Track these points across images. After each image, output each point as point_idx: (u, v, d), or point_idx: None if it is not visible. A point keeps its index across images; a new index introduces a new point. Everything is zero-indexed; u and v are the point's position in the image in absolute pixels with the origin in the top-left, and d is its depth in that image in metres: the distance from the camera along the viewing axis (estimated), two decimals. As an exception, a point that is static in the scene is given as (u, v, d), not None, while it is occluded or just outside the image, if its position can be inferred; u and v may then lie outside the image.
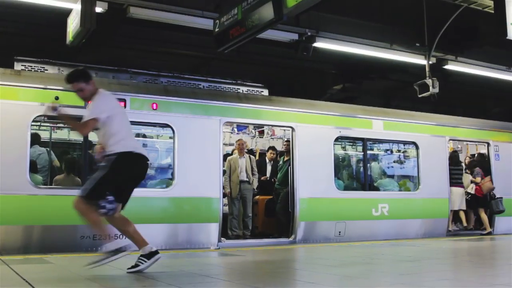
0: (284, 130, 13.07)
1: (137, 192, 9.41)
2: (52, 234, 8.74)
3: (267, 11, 7.88)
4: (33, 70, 9.56)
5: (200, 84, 10.96)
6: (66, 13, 9.75)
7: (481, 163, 13.87)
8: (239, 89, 11.32)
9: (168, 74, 10.82)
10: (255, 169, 11.76)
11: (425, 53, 12.93)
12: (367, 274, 6.44)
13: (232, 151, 12.14)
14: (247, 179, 11.43)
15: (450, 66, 14.11)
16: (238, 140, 12.05)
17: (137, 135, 11.59)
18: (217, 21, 9.25)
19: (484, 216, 13.18)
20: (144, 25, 11.66)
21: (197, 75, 11.37)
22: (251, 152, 12.96)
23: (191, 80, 10.93)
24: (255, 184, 11.88)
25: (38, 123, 10.12)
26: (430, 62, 12.93)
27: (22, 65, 9.49)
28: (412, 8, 12.68)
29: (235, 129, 14.01)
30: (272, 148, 13.06)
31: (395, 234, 11.88)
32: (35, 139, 9.56)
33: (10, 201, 8.46)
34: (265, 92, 11.64)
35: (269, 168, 12.89)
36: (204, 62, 14.98)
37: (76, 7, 9.13)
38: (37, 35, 12.25)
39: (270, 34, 10.81)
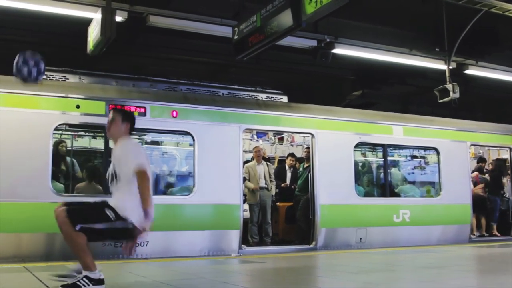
0: (304, 136, 13.06)
1: (158, 199, 9.49)
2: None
3: (286, 18, 7.88)
4: (54, 79, 9.66)
5: (220, 92, 11.01)
6: (87, 22, 9.85)
7: (500, 169, 13.83)
8: (258, 96, 11.34)
9: (187, 81, 10.88)
10: (272, 176, 11.77)
11: (445, 58, 12.85)
12: (389, 281, 6.40)
13: (252, 158, 12.15)
14: (266, 186, 11.44)
15: (471, 71, 14.01)
16: (255, 147, 12.07)
17: (157, 142, 11.67)
18: (236, 28, 9.28)
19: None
20: (163, 33, 11.75)
21: (216, 83, 11.41)
22: (267, 160, 12.95)
23: (210, 88, 10.98)
24: (273, 190, 11.88)
25: (60, 132, 10.21)
26: (450, 67, 12.84)
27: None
28: (432, 13, 12.62)
29: (255, 136, 14.04)
30: (292, 155, 13.06)
31: (416, 240, 11.77)
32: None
33: (33, 209, 8.54)
34: (284, 99, 11.64)
35: (289, 175, 12.88)
36: (223, 69, 15.05)
37: (97, 17, 9.21)
38: (58, 45, 12.39)
39: (289, 41, 10.81)
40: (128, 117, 5.61)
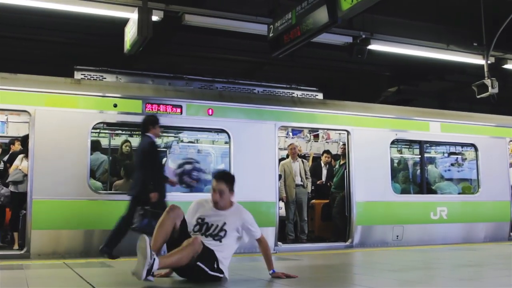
0: (340, 133, 13.00)
1: (194, 198, 9.53)
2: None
3: (321, 15, 7.84)
4: (92, 78, 9.80)
5: (255, 89, 11.03)
6: (123, 22, 9.96)
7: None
8: (293, 93, 11.33)
9: (222, 79, 10.93)
10: (308, 173, 11.74)
11: (483, 52, 12.61)
12: (428, 279, 6.35)
13: (287, 155, 12.13)
14: (301, 183, 11.42)
15: (510, 66, 13.73)
16: (290, 144, 12.06)
17: (193, 140, 11.74)
18: (271, 26, 9.27)
19: None
20: (198, 32, 11.82)
21: (252, 80, 11.43)
22: (303, 157, 12.92)
23: (245, 85, 11.01)
24: (309, 188, 11.85)
25: (98, 130, 10.37)
26: (489, 62, 12.59)
27: (81, 74, 9.76)
28: (469, 7, 12.41)
29: (290, 133, 14.02)
30: (327, 151, 13.00)
31: (454, 238, 11.65)
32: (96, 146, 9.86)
33: (72, 206, 8.70)
34: (320, 96, 11.61)
35: (324, 172, 12.83)
36: (258, 67, 15.05)
37: (133, 17, 9.31)
38: (95, 45, 12.56)
39: (324, 38, 10.73)
40: (233, 185, 5.73)
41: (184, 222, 5.40)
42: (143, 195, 7.91)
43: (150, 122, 8.34)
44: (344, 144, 11.51)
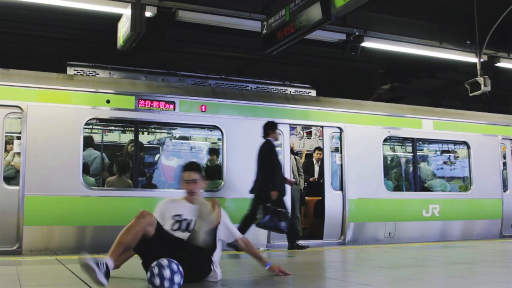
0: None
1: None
2: (104, 234, 8.90)
3: (315, 12, 7.86)
4: (84, 74, 9.77)
5: (248, 86, 11.02)
6: (117, 18, 9.93)
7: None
8: (286, 90, 11.32)
9: (216, 76, 10.92)
10: (301, 169, 11.74)
11: (476, 50, 12.67)
12: (420, 276, 6.36)
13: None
14: (294, 180, 11.39)
15: (502, 64, 13.80)
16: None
17: (186, 137, 11.74)
18: (265, 22, 9.28)
19: None
20: (192, 28, 11.81)
21: (245, 77, 11.43)
22: (296, 153, 12.89)
23: (238, 82, 11.00)
24: (302, 184, 11.85)
25: (90, 126, 10.34)
26: (482, 60, 12.64)
27: (74, 70, 9.71)
28: (462, 5, 12.46)
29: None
30: (319, 148, 12.98)
31: (446, 235, 11.72)
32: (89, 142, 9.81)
33: (64, 202, 8.67)
34: (313, 93, 11.61)
35: (316, 169, 12.82)
36: (251, 63, 15.05)
37: (126, 12, 9.28)
38: (88, 40, 12.52)
39: (317, 35, 10.77)
40: (203, 174, 5.67)
41: (159, 226, 5.08)
42: (264, 194, 8.79)
43: (270, 127, 9.22)
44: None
